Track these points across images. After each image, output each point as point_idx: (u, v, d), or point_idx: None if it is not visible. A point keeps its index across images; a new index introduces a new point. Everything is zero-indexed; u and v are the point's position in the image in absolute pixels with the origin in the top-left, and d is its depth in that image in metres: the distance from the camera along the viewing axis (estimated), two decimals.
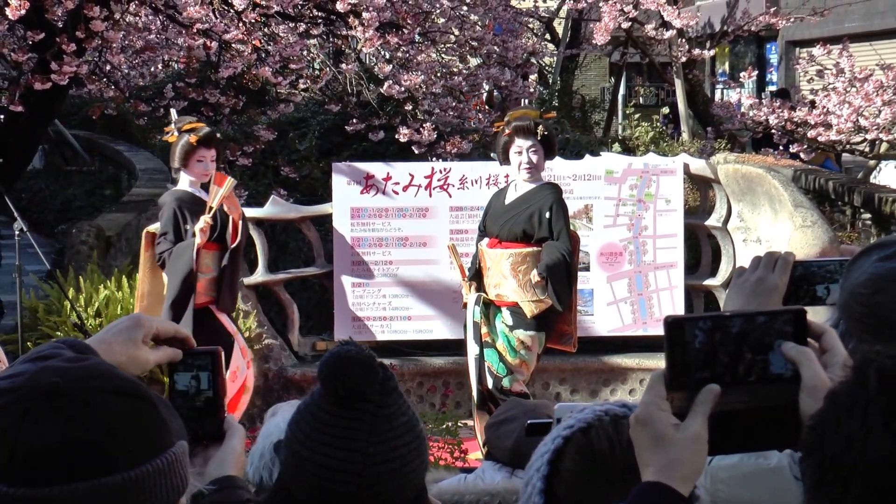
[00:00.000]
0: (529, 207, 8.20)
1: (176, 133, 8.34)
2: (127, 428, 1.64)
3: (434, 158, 11.56)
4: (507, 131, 8.14)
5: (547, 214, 8.12)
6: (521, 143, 8.09)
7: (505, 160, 8.26)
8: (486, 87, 9.22)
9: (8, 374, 1.70)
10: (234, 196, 8.29)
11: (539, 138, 8.14)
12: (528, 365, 8.31)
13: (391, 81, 11.68)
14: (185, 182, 8.36)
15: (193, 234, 8.05)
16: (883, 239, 2.31)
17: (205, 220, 8.03)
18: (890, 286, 2.16)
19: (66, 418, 1.60)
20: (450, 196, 10.17)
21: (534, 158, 8.12)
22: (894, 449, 1.44)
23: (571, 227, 8.40)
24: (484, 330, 8.24)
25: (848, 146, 14.89)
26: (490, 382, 8.23)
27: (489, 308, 8.30)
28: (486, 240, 8.43)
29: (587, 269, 10.13)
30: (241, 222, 8.27)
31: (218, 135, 8.73)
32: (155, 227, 8.31)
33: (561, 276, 8.06)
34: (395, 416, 2.30)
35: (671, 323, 1.83)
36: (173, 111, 9.15)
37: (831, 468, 1.49)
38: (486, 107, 15.47)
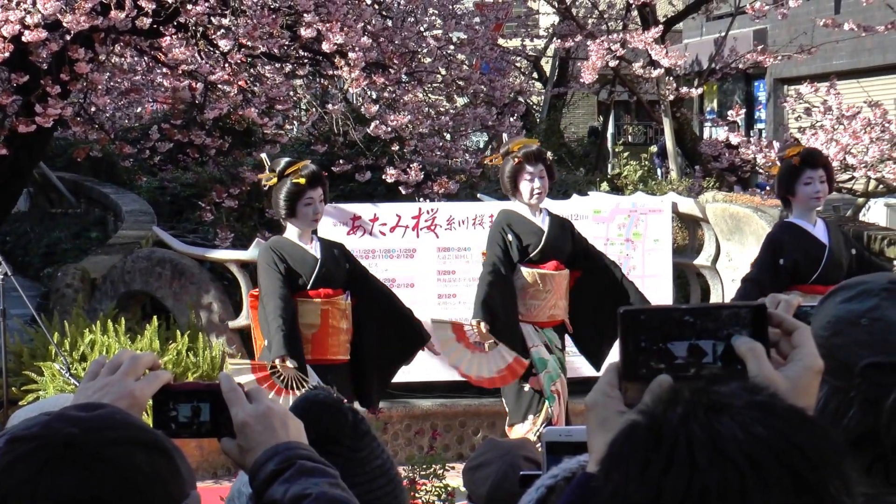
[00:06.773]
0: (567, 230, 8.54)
1: (275, 178, 7.39)
2: (143, 481, 1.64)
3: (421, 199, 11.51)
4: (516, 159, 8.15)
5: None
6: (531, 169, 8.16)
7: (513, 188, 8.28)
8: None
9: (23, 423, 1.71)
10: None
11: (547, 164, 8.31)
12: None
13: (378, 122, 11.62)
14: (292, 232, 7.54)
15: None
16: (849, 280, 2.27)
17: None
18: (847, 328, 2.12)
19: (83, 472, 1.60)
20: (437, 237, 10.10)
21: (545, 184, 8.26)
22: (649, 500, 1.45)
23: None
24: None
25: (836, 184, 14.85)
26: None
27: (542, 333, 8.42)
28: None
29: None
30: None
31: (324, 172, 7.80)
32: None
33: None
34: (369, 460, 2.26)
35: (624, 314, 1.80)
36: (263, 155, 8.23)
37: None
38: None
